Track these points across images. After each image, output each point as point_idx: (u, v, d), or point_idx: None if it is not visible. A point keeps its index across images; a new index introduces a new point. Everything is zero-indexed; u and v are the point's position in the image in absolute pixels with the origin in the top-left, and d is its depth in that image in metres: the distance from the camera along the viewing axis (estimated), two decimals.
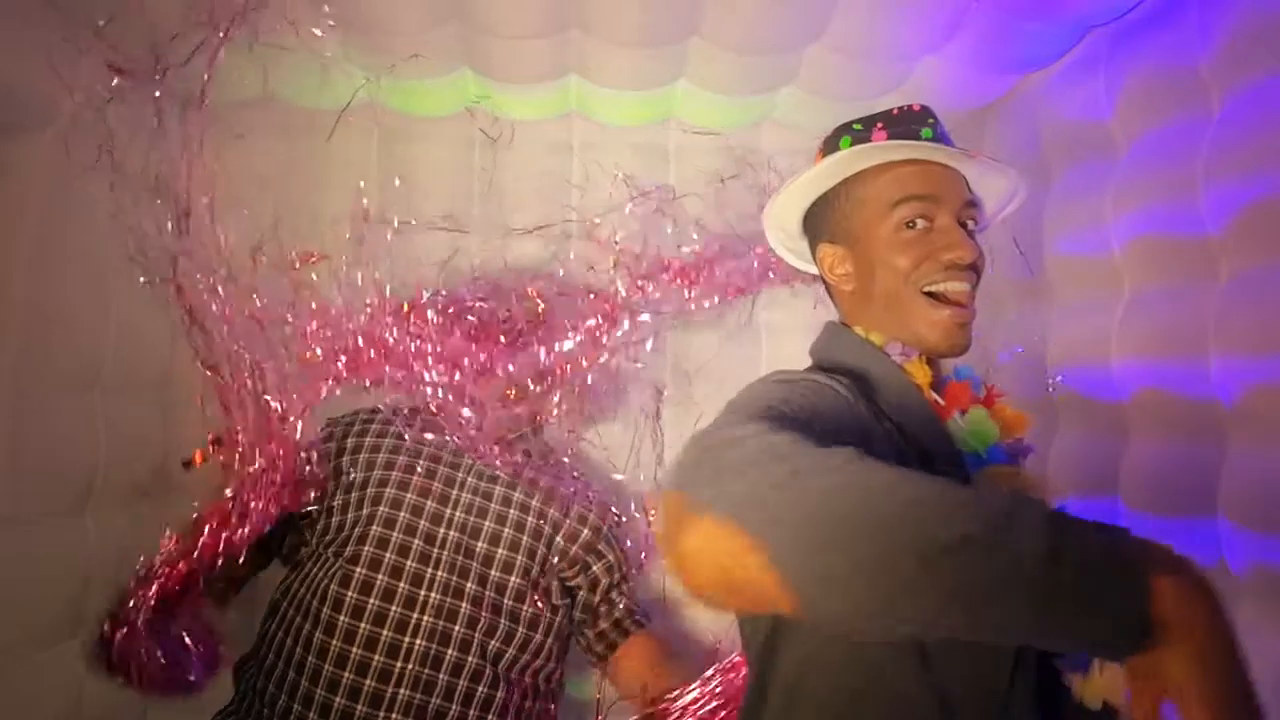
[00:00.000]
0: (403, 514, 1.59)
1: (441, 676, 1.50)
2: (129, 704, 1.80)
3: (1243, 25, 1.26)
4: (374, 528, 1.57)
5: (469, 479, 1.67)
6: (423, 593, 1.54)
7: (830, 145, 1.10)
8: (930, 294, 1.02)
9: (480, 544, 1.61)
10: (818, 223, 1.12)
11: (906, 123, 1.06)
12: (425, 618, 1.52)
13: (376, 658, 1.48)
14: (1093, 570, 0.57)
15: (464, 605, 1.55)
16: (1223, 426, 1.29)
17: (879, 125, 1.07)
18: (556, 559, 1.67)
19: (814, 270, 1.16)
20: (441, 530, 1.60)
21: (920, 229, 1.02)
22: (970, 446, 0.98)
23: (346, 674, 1.47)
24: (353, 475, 1.64)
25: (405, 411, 1.74)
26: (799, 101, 1.96)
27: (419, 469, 1.63)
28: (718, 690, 1.59)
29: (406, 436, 1.67)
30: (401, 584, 1.53)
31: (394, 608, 1.52)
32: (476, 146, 2.16)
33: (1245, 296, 1.26)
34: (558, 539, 1.68)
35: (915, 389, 1.00)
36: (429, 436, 1.67)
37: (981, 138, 2.03)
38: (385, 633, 1.50)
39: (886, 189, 1.04)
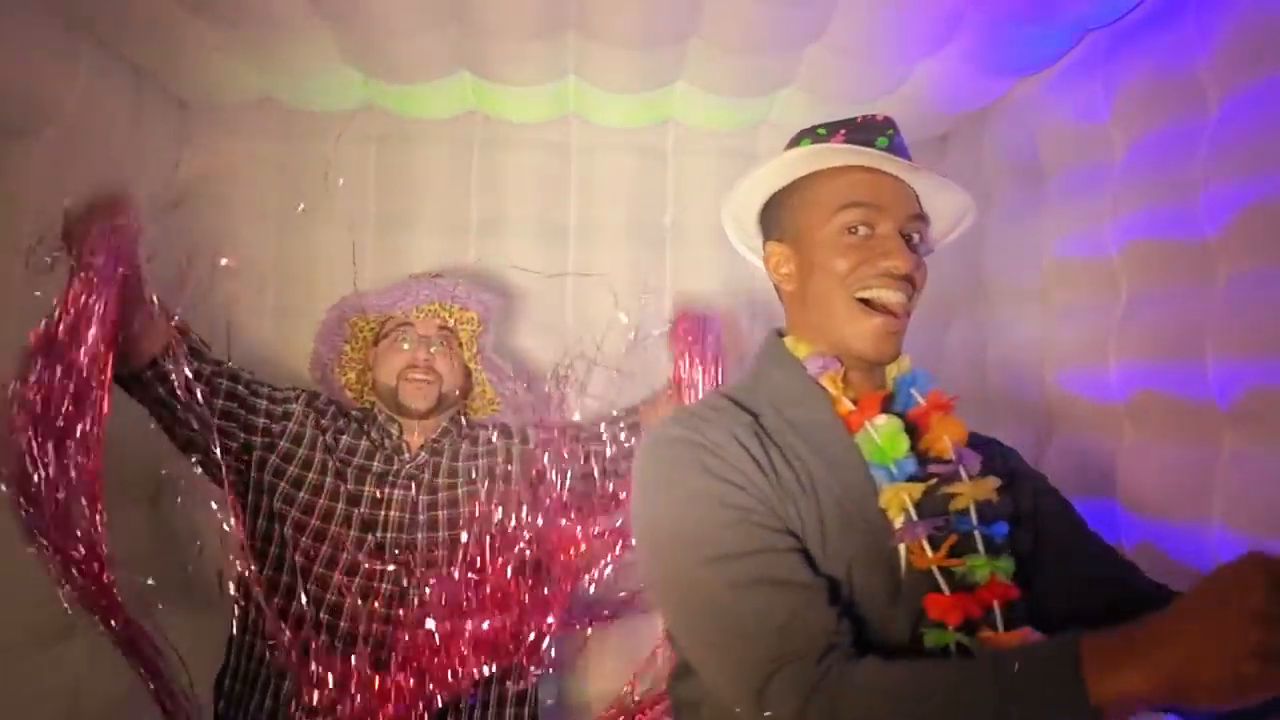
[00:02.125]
0: (333, 527, 1.59)
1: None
2: (127, 704, 1.81)
3: (1240, 27, 1.26)
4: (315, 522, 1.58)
5: (400, 482, 1.66)
6: (372, 584, 1.54)
7: (792, 146, 1.11)
8: (863, 300, 1.03)
9: (421, 535, 1.61)
10: (770, 220, 1.14)
11: (866, 131, 1.07)
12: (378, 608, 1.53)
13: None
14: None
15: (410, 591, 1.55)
16: (1220, 429, 1.29)
17: (841, 131, 1.08)
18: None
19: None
20: (377, 534, 1.60)
21: (862, 235, 1.04)
22: (879, 459, 0.99)
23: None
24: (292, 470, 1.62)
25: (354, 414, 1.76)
26: (797, 103, 1.96)
27: (350, 476, 1.63)
28: None
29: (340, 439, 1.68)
30: (345, 596, 1.54)
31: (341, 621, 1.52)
32: (475, 149, 2.17)
33: (1243, 299, 1.26)
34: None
35: (828, 405, 1.03)
36: (363, 444, 1.68)
37: (980, 140, 2.03)
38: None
39: (834, 193, 1.05)
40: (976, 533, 0.98)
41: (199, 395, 1.48)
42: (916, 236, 1.07)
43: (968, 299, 2.12)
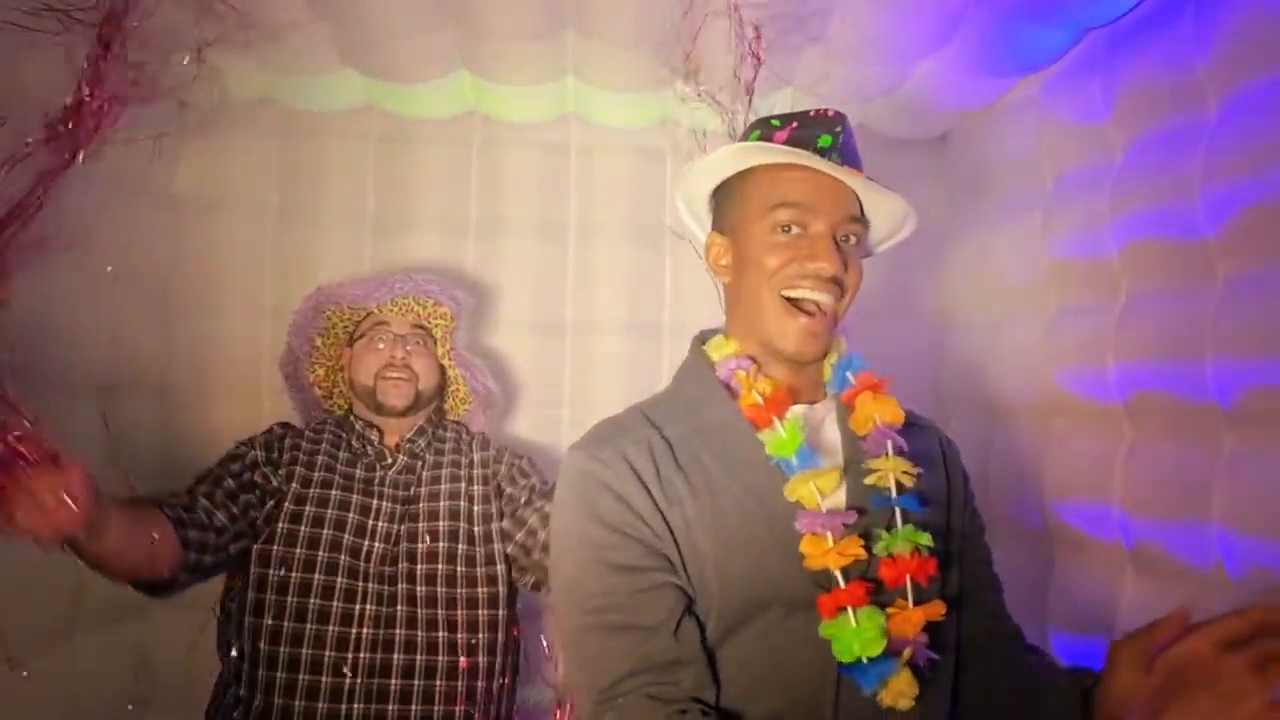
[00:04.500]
0: (326, 530, 1.57)
1: (393, 682, 1.50)
2: (127, 704, 1.81)
3: (1239, 28, 1.26)
4: (295, 573, 1.54)
5: (387, 490, 1.65)
6: (354, 631, 1.52)
7: (745, 136, 1.13)
8: (789, 299, 1.05)
9: (403, 545, 1.59)
10: (715, 212, 1.16)
11: (813, 127, 1.08)
12: (362, 655, 1.51)
13: (324, 679, 1.48)
14: None
15: (400, 608, 1.54)
16: (1219, 429, 1.29)
17: (793, 124, 1.09)
18: (492, 521, 1.67)
19: None
20: (366, 543, 1.58)
21: (794, 235, 1.05)
22: (780, 453, 1.01)
23: (296, 701, 1.47)
24: (283, 489, 1.61)
25: (332, 425, 1.75)
26: (797, 104, 1.96)
27: (333, 501, 1.61)
28: None
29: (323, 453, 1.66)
30: (335, 602, 1.52)
31: (331, 626, 1.51)
32: (474, 149, 2.17)
33: (1242, 299, 1.26)
34: (479, 506, 1.67)
35: (733, 406, 1.06)
36: (342, 454, 1.67)
37: (980, 140, 2.03)
38: (324, 679, 1.48)
39: (769, 190, 1.06)
40: (896, 507, 1.01)
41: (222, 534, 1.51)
42: (853, 239, 1.08)
43: (967, 299, 2.12)
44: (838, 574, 0.96)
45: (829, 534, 0.96)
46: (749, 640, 0.97)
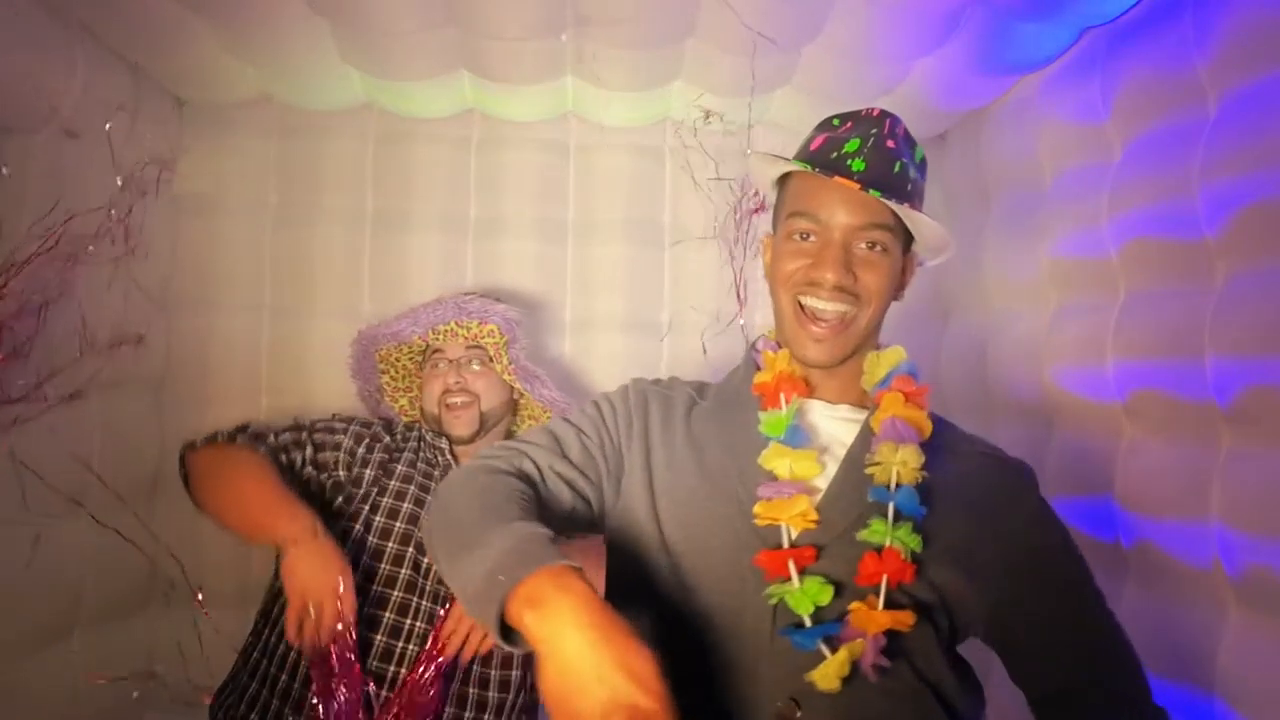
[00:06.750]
0: (391, 544, 1.56)
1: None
2: (127, 704, 1.81)
3: (1239, 26, 1.26)
4: (363, 558, 1.54)
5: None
6: (408, 622, 1.52)
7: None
8: (802, 305, 1.08)
9: None
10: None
11: (856, 129, 1.10)
12: (411, 646, 1.50)
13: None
14: (471, 599, 0.87)
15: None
16: (1218, 427, 1.30)
17: (848, 124, 1.11)
18: None
19: None
20: (425, 560, 1.56)
21: (810, 242, 1.08)
22: (771, 431, 1.07)
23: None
24: (354, 490, 1.60)
25: (418, 431, 1.75)
26: (795, 103, 1.96)
27: (409, 496, 1.61)
28: None
29: (402, 463, 1.66)
30: (387, 614, 1.52)
31: (379, 637, 1.50)
32: (473, 148, 2.17)
33: (1241, 298, 1.26)
34: None
35: (748, 380, 1.14)
36: (420, 465, 1.66)
37: (978, 139, 2.03)
38: (371, 663, 1.47)
39: (791, 197, 1.11)
40: (891, 503, 1.02)
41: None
42: (878, 247, 1.08)
43: (966, 298, 2.12)
44: (785, 535, 0.99)
45: (784, 495, 1.00)
46: (698, 598, 1.01)
